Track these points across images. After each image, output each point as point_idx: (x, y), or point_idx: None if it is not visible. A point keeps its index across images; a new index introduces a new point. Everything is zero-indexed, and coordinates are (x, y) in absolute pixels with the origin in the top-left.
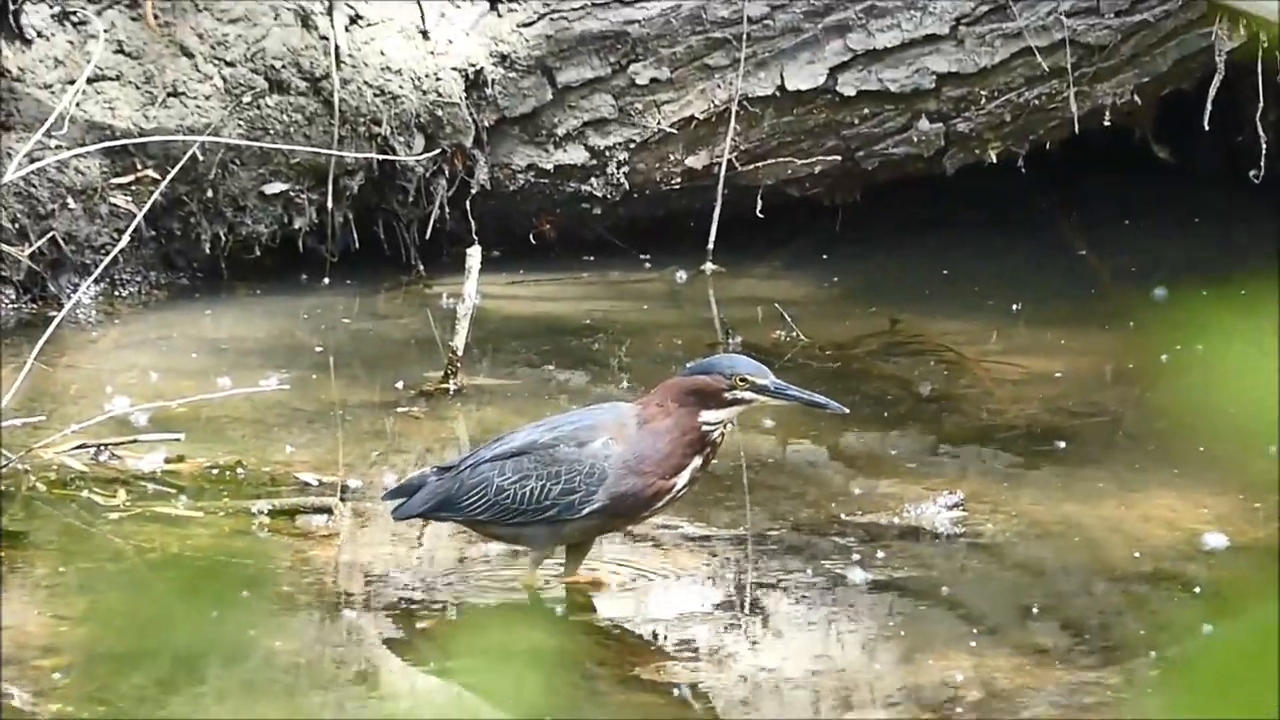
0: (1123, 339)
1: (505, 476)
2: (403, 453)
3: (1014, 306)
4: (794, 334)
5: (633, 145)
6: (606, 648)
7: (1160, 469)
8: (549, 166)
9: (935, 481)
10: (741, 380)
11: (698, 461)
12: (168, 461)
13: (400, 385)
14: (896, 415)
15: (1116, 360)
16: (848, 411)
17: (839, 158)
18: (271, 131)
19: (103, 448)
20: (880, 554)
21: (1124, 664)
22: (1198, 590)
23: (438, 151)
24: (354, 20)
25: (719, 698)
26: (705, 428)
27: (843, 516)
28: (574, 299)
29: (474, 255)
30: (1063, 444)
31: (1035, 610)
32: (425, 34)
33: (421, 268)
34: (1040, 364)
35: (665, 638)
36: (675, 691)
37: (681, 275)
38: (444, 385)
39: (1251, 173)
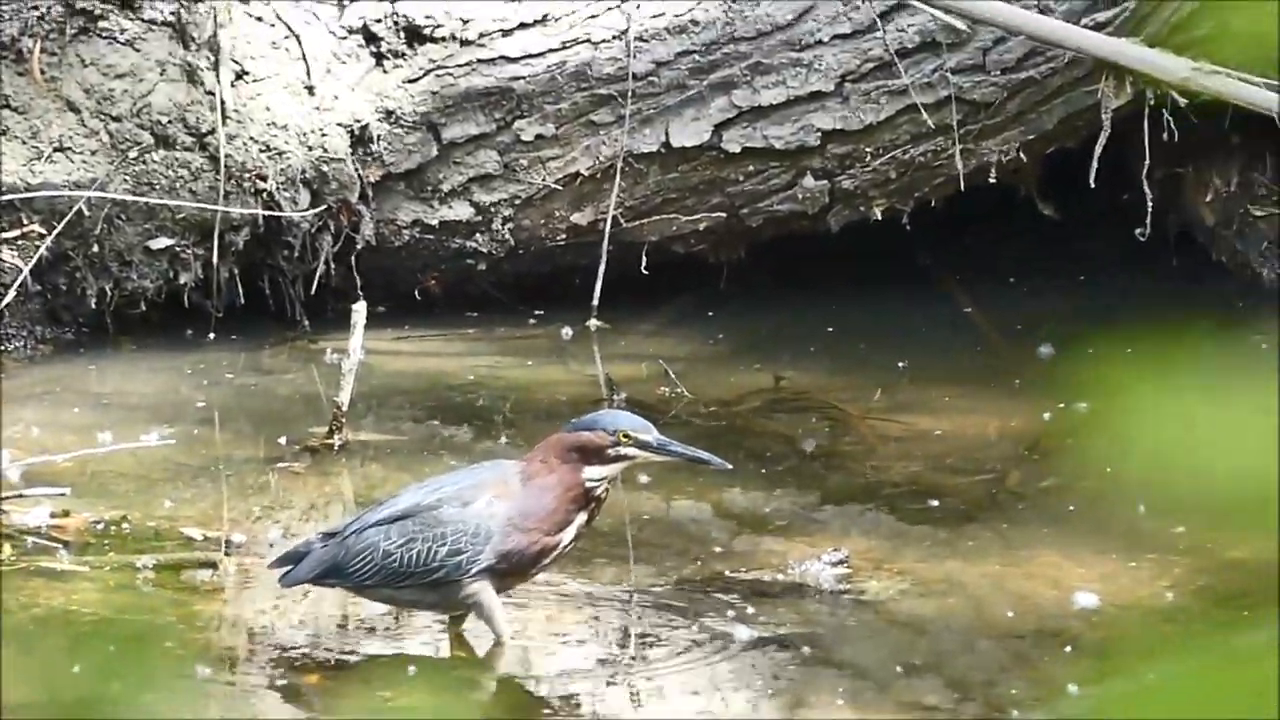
0: (1008, 397)
1: (391, 540)
2: (287, 508)
3: (900, 364)
4: (678, 390)
5: (518, 201)
6: (490, 705)
7: (1044, 527)
8: (434, 222)
9: (819, 539)
10: (625, 436)
11: (582, 517)
12: (53, 516)
13: (284, 441)
14: (780, 472)
15: (1001, 418)
16: (730, 468)
17: (724, 214)
18: (157, 187)
19: None
20: (764, 611)
21: None
22: (1080, 649)
23: (323, 208)
24: (240, 76)
25: None
26: (589, 483)
27: (726, 573)
28: (459, 355)
29: (359, 311)
30: (946, 502)
31: (919, 667)
32: (311, 90)
33: (307, 323)
34: (925, 422)
35: (548, 695)
36: None
37: (567, 331)
38: (329, 441)
39: (1138, 230)
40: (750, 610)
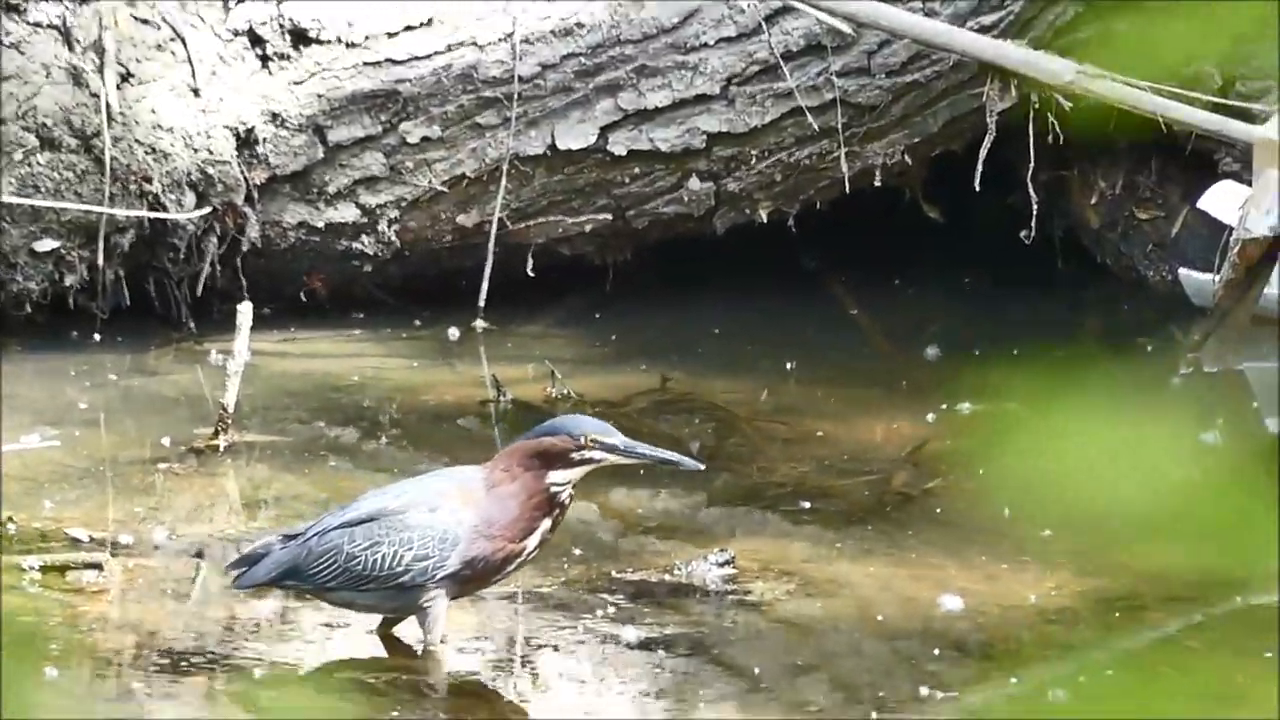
0: (893, 398)
1: (355, 544)
2: (173, 509)
3: (786, 365)
4: (565, 391)
5: (404, 203)
6: (374, 705)
7: (929, 528)
8: (320, 224)
9: (705, 540)
10: (592, 440)
11: (547, 524)
12: None
13: (169, 442)
14: (666, 473)
15: (886, 420)
16: (703, 467)
17: (609, 216)
18: (42, 189)
19: None
20: (651, 612)
21: None
22: (966, 649)
23: (209, 210)
24: (126, 78)
25: None
26: (554, 488)
27: (613, 574)
28: (345, 356)
29: (245, 312)
30: (832, 503)
31: (805, 668)
32: (196, 92)
33: (192, 325)
34: (811, 423)
35: (433, 695)
36: None
37: (453, 333)
38: (214, 442)
39: (1023, 233)
40: (636, 611)
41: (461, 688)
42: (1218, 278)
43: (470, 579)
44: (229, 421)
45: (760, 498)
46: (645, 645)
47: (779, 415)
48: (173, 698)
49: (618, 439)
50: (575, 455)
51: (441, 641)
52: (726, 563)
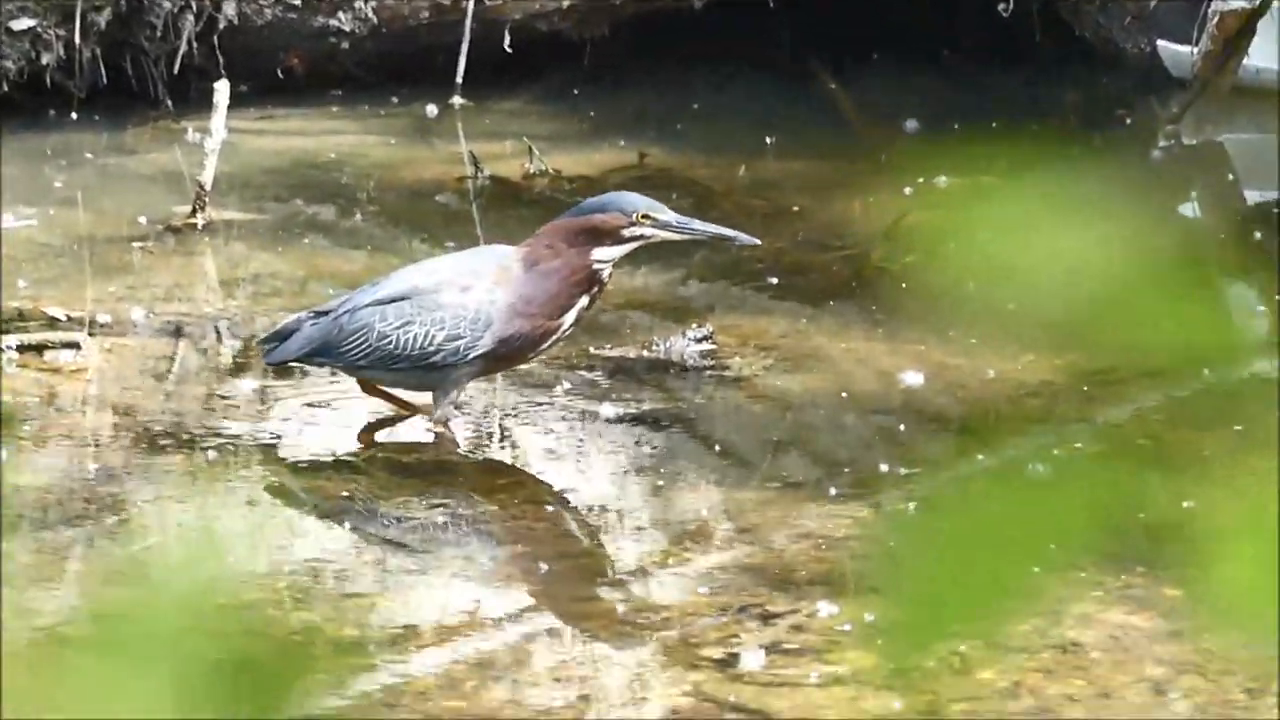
0: (872, 173)
1: (387, 322)
2: (151, 287)
3: (766, 140)
4: (542, 167)
5: None
6: (346, 481)
7: (906, 303)
8: (297, 1)
9: (684, 315)
10: (643, 216)
11: (585, 301)
12: None
13: (146, 221)
14: (643, 249)
15: (864, 194)
16: (759, 243)
17: None
18: None
19: None
20: (629, 388)
21: (873, 495)
22: (945, 423)
23: None
24: None
25: (466, 529)
26: (596, 266)
27: (591, 350)
28: (322, 134)
29: (222, 90)
30: (811, 278)
31: (784, 443)
32: None
33: (170, 103)
34: (789, 198)
35: (407, 471)
36: (417, 519)
37: (431, 110)
38: (192, 220)
39: (1001, 5)
40: (615, 387)
41: (439, 465)
42: (1196, 50)
43: (504, 357)
44: (206, 199)
45: (738, 273)
46: (624, 421)
47: (757, 191)
48: (151, 476)
49: (670, 216)
50: (626, 232)
51: (446, 421)
52: (705, 338)
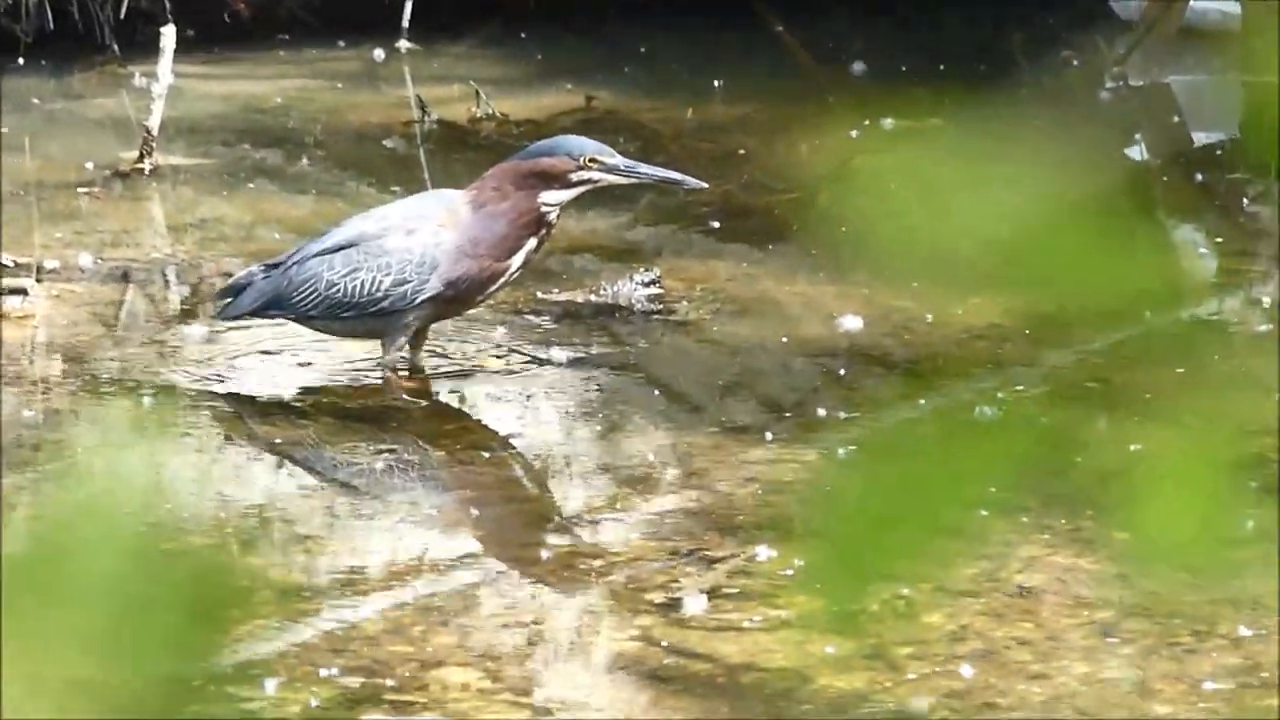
0: (818, 115)
1: (334, 270)
2: (98, 232)
3: (714, 84)
4: (490, 111)
5: None
6: (293, 426)
7: (853, 246)
8: None
9: (631, 259)
10: (591, 160)
11: (533, 243)
12: None
13: (93, 166)
14: (591, 193)
15: (810, 137)
16: (707, 186)
17: None
18: None
19: None
20: (577, 332)
21: (820, 439)
22: (893, 366)
23: None
24: None
25: (412, 475)
26: (544, 209)
27: (539, 295)
28: (269, 78)
29: (168, 35)
30: (757, 221)
31: (732, 387)
32: None
33: (116, 48)
34: (736, 141)
35: (353, 416)
36: (363, 464)
37: (378, 54)
38: (139, 165)
39: None
40: (564, 331)
41: (385, 411)
42: None
43: (453, 300)
44: (153, 144)
45: (685, 217)
46: (570, 366)
47: (704, 134)
48: (99, 421)
49: (618, 160)
50: (573, 176)
51: (395, 367)
52: (652, 282)
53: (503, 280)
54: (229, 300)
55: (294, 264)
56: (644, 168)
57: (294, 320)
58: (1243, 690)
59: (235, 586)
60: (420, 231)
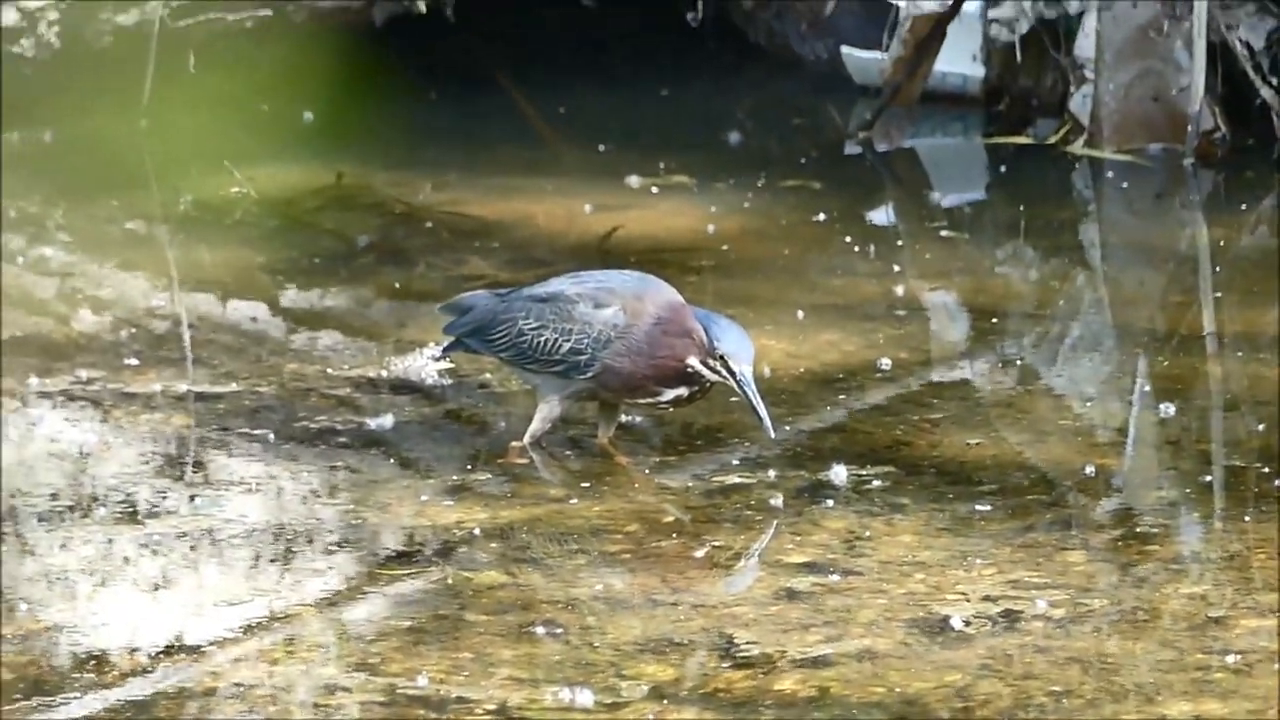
0: (559, 190)
1: (528, 321)
2: None
3: (462, 156)
4: (245, 189)
5: (62, 5)
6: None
7: None
8: None
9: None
10: (720, 358)
11: (684, 391)
12: None
13: None
14: (347, 270)
15: (547, 207)
16: (774, 436)
17: (269, 11)
18: None
19: None
20: (378, 405)
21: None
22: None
23: None
24: None
25: (156, 553)
26: (689, 369)
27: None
28: None
29: None
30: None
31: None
32: None
33: None
34: (488, 212)
35: (104, 499)
36: (108, 546)
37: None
38: None
39: (690, 15)
40: (365, 405)
41: (131, 489)
42: (885, 55)
43: (606, 387)
44: None
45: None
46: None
47: (455, 207)
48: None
49: (739, 368)
50: (708, 361)
51: (532, 441)
52: (440, 357)
53: (649, 400)
54: (455, 317)
55: (506, 300)
56: (750, 391)
57: (491, 356)
58: None
59: None
60: (605, 309)
